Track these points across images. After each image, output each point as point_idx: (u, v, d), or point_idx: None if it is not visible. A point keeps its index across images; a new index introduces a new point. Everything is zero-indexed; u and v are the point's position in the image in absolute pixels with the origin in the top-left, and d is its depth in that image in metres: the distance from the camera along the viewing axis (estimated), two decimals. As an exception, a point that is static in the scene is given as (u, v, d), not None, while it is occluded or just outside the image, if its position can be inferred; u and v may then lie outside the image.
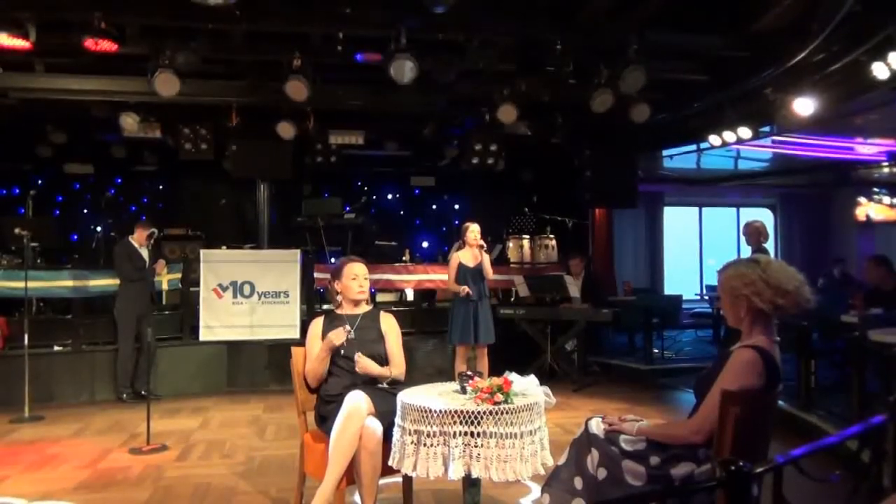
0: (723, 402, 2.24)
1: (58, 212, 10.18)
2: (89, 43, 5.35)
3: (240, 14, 5.19)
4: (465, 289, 6.26)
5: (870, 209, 11.98)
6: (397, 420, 2.92)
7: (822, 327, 5.77)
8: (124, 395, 6.82)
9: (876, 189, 11.86)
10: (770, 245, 7.27)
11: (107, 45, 5.40)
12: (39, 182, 9.86)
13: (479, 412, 2.71)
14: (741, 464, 1.64)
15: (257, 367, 7.57)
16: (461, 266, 6.38)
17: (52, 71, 6.70)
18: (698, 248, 13.51)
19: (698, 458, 2.39)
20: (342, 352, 3.43)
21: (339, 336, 3.35)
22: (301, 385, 3.52)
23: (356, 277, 3.59)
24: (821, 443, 2.11)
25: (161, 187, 10.70)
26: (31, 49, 5.67)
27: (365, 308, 3.66)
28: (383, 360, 3.50)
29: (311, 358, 3.48)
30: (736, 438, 2.20)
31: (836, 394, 5.52)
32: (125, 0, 5.36)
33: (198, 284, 7.66)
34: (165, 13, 5.38)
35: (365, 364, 3.39)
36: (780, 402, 4.30)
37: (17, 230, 6.63)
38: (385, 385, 3.42)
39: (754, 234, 6.43)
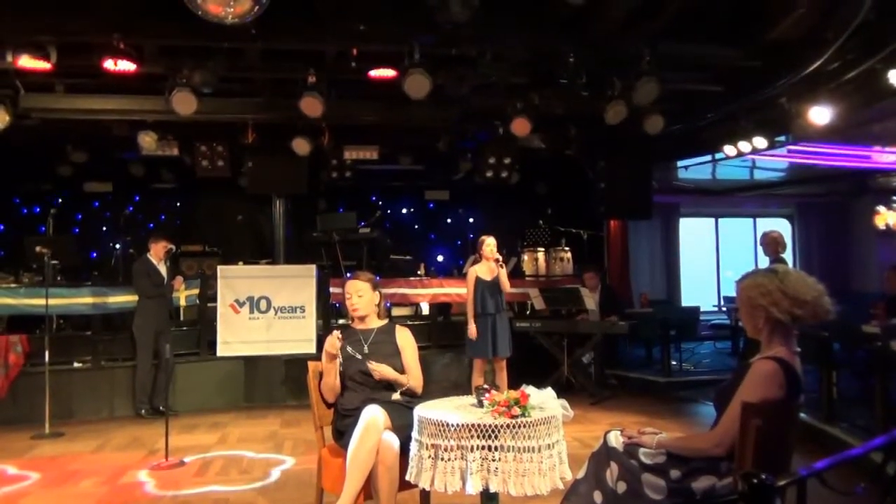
0: (744, 415, 2.22)
1: (77, 230, 10.30)
2: (108, 63, 5.45)
3: (255, 32, 5.25)
4: (472, 330, 6.23)
5: (889, 218, 11.80)
6: (414, 434, 2.92)
7: (843, 337, 5.70)
8: (143, 411, 6.87)
9: (895, 197, 11.70)
10: (788, 255, 7.18)
11: (125, 66, 5.51)
12: (59, 201, 10.01)
13: (496, 426, 2.69)
14: (764, 477, 1.62)
15: (274, 382, 7.60)
16: (478, 280, 6.35)
17: (72, 91, 6.82)
18: (715, 259, 13.39)
19: (720, 472, 2.36)
20: (359, 367, 3.45)
21: (331, 344, 3.34)
22: (318, 400, 3.53)
23: (350, 297, 3.63)
24: (844, 455, 2.07)
25: (178, 204, 10.82)
26: (51, 70, 5.80)
27: (379, 322, 3.68)
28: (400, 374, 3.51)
29: (324, 372, 3.49)
30: (758, 451, 2.17)
31: (859, 405, 5.44)
32: (143, 21, 5.45)
33: (215, 300, 7.72)
34: (182, 33, 5.46)
35: (380, 369, 3.40)
36: (802, 415, 4.25)
37: (37, 248, 6.72)
38: (400, 396, 3.43)
39: (772, 244, 6.37)
